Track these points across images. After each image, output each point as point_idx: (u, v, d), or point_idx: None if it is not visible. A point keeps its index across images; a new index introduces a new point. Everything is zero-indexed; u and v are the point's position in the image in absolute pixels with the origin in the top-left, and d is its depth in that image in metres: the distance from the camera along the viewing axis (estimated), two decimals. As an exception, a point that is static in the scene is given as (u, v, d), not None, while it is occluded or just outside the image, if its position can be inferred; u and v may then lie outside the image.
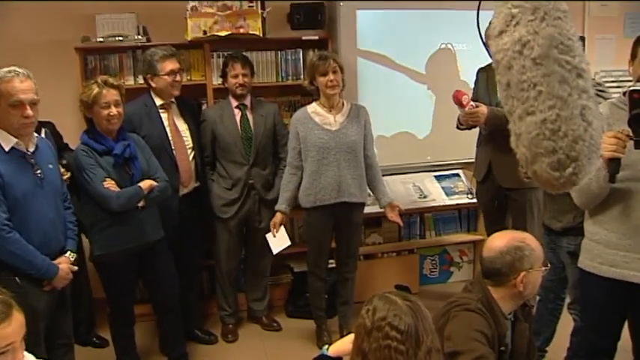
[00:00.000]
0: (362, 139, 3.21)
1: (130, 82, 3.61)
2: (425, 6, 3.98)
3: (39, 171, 2.35)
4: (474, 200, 3.86)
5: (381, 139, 3.92)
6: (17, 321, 1.58)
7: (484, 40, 1.80)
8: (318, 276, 3.36)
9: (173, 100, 3.23)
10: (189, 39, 3.52)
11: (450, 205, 4.19)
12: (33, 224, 2.31)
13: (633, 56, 2.20)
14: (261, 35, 3.56)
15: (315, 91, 3.22)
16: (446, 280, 4.36)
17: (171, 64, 3.12)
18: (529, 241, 1.98)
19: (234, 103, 3.40)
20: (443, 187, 4.24)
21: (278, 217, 3.26)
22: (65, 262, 2.44)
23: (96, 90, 2.69)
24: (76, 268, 2.51)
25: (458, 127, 3.36)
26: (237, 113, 3.39)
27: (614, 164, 2.00)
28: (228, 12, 3.50)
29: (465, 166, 4.23)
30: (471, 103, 3.09)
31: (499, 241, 1.99)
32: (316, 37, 3.79)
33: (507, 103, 1.57)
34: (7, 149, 2.26)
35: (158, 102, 3.18)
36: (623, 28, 4.60)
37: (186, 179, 3.24)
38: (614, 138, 1.98)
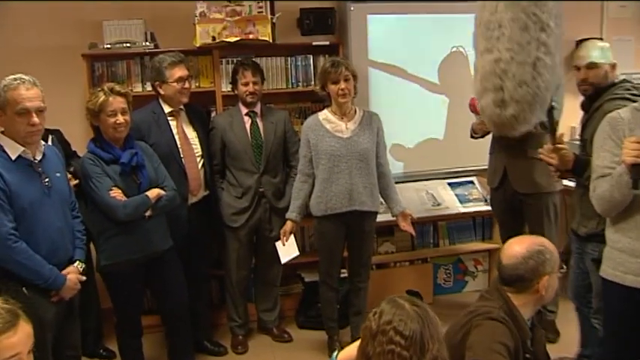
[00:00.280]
0: (374, 146, 3.16)
1: (137, 89, 3.58)
2: (435, 9, 3.93)
3: (46, 179, 2.33)
4: (489, 207, 3.79)
5: (394, 146, 3.89)
6: (24, 331, 1.53)
7: None
8: (329, 286, 3.30)
9: (182, 107, 3.19)
10: (197, 45, 3.48)
11: (464, 213, 4.12)
12: (40, 233, 2.28)
13: None
14: (270, 41, 3.52)
15: (326, 98, 3.17)
16: (460, 290, 4.28)
17: (179, 71, 3.08)
18: (547, 244, 1.97)
19: (244, 110, 3.36)
20: (457, 195, 4.17)
21: (288, 225, 3.21)
22: (73, 272, 2.41)
23: (102, 98, 2.66)
24: (84, 278, 2.48)
25: (472, 137, 3.31)
26: (247, 120, 3.35)
27: (636, 170, 1.96)
28: (238, 18, 3.46)
29: (479, 173, 4.15)
30: None
31: (518, 246, 1.96)
32: (327, 43, 3.76)
33: (476, 41, 1.77)
34: (13, 158, 2.24)
35: (167, 109, 3.15)
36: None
37: (196, 188, 3.20)
38: (637, 143, 1.94)
